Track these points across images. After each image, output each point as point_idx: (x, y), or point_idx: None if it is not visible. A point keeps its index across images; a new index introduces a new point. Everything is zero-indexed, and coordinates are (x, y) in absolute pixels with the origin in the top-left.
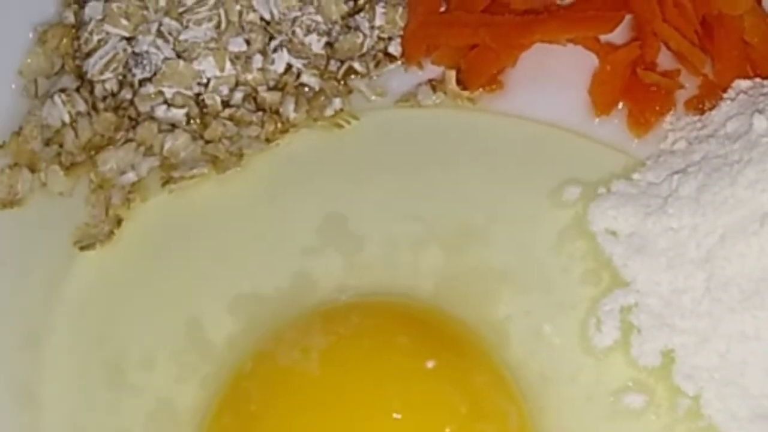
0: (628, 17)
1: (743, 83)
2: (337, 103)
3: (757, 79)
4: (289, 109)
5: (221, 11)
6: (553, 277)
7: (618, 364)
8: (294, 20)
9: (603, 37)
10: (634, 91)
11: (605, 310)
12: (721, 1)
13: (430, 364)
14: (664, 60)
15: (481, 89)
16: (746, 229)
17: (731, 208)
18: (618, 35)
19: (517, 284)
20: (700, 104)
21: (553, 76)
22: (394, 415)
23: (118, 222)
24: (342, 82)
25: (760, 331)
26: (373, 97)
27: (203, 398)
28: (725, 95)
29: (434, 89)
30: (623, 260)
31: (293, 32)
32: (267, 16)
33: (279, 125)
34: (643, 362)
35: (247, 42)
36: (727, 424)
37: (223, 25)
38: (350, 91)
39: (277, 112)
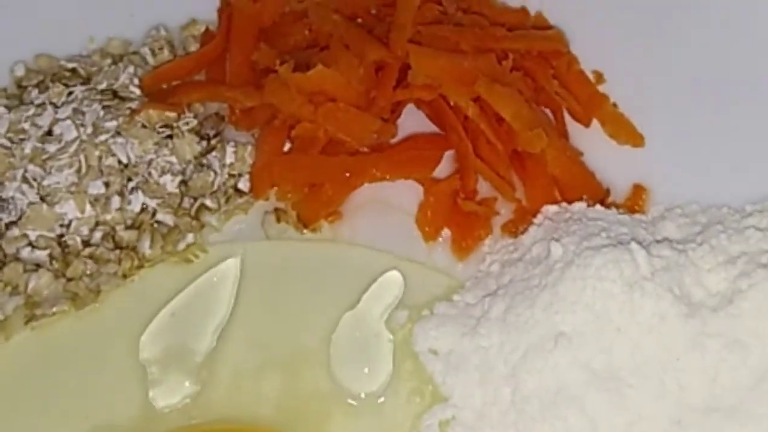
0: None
1: (551, 209)
2: (190, 237)
3: (564, 204)
4: (145, 246)
5: (82, 157)
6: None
7: None
8: (150, 162)
9: None
10: (456, 219)
11: (426, 424)
12: (522, 141)
13: None
14: (486, 188)
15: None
16: (543, 346)
17: (531, 328)
18: (442, 169)
19: (348, 405)
20: (514, 228)
21: (387, 206)
22: None
23: None
24: (195, 218)
25: None
26: (224, 230)
27: None
28: (535, 220)
29: (279, 219)
30: (442, 377)
31: (149, 173)
32: (124, 160)
33: (135, 261)
34: None
35: (106, 185)
36: None
37: (84, 170)
38: (203, 226)
39: (134, 249)
